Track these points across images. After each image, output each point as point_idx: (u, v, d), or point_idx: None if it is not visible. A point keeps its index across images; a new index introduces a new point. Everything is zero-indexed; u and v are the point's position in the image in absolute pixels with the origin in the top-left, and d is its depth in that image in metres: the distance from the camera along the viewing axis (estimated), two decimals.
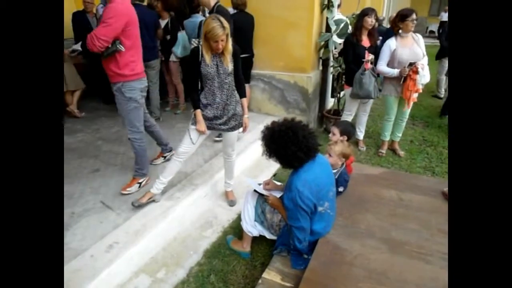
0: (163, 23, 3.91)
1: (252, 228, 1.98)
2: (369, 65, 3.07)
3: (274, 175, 3.14)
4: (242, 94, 2.30)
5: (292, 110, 4.06)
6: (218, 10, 2.80)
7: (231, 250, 2.13)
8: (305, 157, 1.60)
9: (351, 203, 2.09)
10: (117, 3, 2.08)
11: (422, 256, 1.64)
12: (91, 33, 2.05)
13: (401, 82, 3.03)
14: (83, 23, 4.12)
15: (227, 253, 2.12)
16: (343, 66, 3.64)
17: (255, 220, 1.97)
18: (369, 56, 3.06)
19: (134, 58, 2.29)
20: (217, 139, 3.33)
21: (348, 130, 2.57)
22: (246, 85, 3.18)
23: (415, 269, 1.56)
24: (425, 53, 3.05)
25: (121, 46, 2.14)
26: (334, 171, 2.07)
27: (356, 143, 3.68)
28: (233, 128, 2.31)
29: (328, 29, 3.91)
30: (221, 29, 1.91)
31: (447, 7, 11.84)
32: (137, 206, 2.28)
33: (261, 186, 2.03)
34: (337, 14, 3.84)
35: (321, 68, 4.19)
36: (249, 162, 3.23)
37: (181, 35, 3.66)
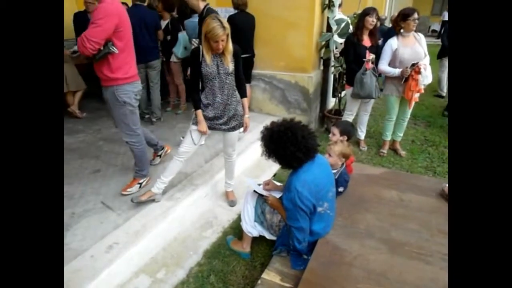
0: (163, 23, 3.92)
1: (252, 228, 1.98)
2: (370, 65, 3.06)
3: (275, 175, 3.14)
4: (243, 94, 2.30)
5: (293, 110, 4.05)
6: (207, 12, 2.74)
7: (231, 251, 2.13)
8: (304, 157, 1.60)
9: (351, 203, 2.09)
10: (107, 3, 2.00)
11: (422, 257, 1.63)
12: (81, 35, 1.96)
13: (402, 82, 3.02)
14: (85, 23, 4.08)
15: (227, 253, 2.12)
16: (344, 66, 3.63)
17: (255, 221, 1.96)
18: (370, 56, 3.05)
19: (128, 60, 2.22)
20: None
21: (348, 130, 2.55)
22: (247, 85, 3.18)
23: (415, 269, 1.56)
24: (427, 52, 3.03)
25: (114, 48, 2.07)
26: (334, 171, 2.06)
27: (357, 143, 3.67)
28: (233, 128, 2.31)
29: (329, 28, 3.90)
30: (221, 29, 1.91)
31: None
32: (136, 202, 2.29)
33: (261, 186, 2.03)
34: (338, 14, 3.83)
35: (322, 68, 4.18)
36: (249, 162, 3.23)
37: (182, 35, 3.67)
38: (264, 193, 1.92)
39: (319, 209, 1.68)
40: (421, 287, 1.46)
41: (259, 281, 1.71)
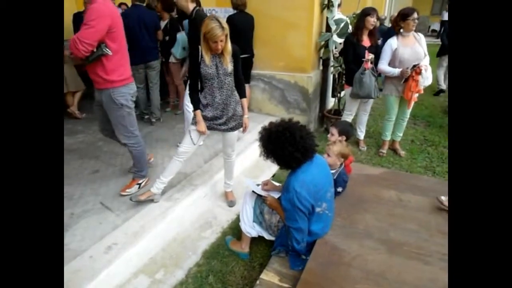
0: (162, 24, 3.92)
1: (250, 229, 1.98)
2: (369, 65, 3.05)
3: (274, 175, 3.13)
4: (242, 94, 2.30)
5: (293, 110, 4.05)
6: (197, 14, 2.70)
7: (230, 251, 2.13)
8: (302, 157, 1.60)
9: (350, 203, 2.09)
10: (99, 4, 1.95)
11: (421, 257, 1.63)
12: (73, 36, 1.91)
13: (402, 82, 3.02)
14: None
15: (226, 254, 2.12)
16: (344, 66, 3.63)
17: (254, 221, 1.96)
18: (369, 56, 3.04)
19: (122, 62, 2.18)
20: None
21: (347, 130, 2.55)
22: (246, 85, 3.18)
23: (414, 270, 1.55)
24: (426, 52, 3.03)
25: (107, 49, 2.02)
26: (333, 171, 2.06)
27: (356, 143, 3.67)
28: (232, 128, 2.31)
29: (328, 29, 3.90)
30: (220, 30, 1.91)
31: None
32: (135, 201, 2.30)
33: (260, 186, 2.03)
34: (337, 14, 3.83)
35: (321, 68, 4.18)
36: (249, 162, 3.23)
37: (181, 36, 3.67)
38: (263, 193, 1.92)
39: (317, 209, 1.68)
40: (420, 287, 1.46)
41: (257, 282, 1.71)
